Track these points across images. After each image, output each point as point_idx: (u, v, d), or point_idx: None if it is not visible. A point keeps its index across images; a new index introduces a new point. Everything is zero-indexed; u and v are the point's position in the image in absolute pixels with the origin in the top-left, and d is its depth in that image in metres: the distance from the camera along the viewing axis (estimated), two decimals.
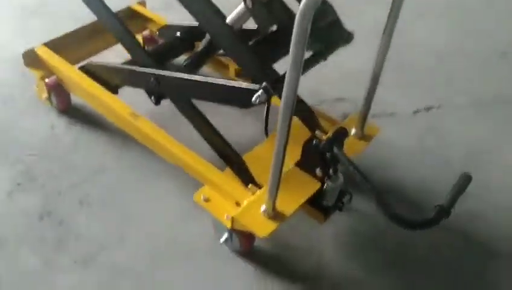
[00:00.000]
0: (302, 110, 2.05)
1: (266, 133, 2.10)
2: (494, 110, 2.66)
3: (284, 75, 1.31)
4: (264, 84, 1.51)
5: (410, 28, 3.20)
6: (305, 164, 1.81)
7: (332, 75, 2.73)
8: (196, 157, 1.88)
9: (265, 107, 2.06)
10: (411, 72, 2.89)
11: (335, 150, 1.63)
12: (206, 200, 1.80)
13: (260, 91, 1.52)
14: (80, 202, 2.04)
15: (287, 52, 1.25)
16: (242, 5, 1.68)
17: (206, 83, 1.68)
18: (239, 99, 1.60)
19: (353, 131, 1.99)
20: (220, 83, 1.64)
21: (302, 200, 1.77)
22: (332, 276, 1.88)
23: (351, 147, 1.94)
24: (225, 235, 1.85)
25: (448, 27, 3.32)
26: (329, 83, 2.70)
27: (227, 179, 1.81)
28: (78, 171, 2.16)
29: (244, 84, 1.58)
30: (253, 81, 1.55)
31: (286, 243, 1.97)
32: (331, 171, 1.75)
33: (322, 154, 1.71)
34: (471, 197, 1.94)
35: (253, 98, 1.53)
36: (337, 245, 1.97)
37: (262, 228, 1.66)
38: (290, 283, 1.86)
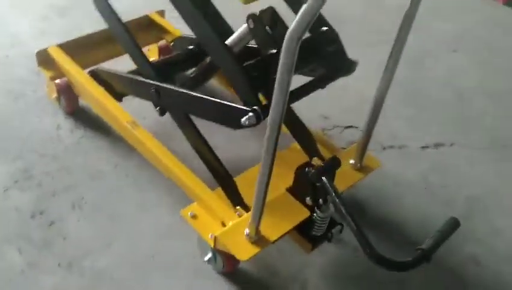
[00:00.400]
0: (302, 134, 2.03)
1: None
2: (508, 154, 2.58)
3: None
4: (254, 107, 1.50)
5: (434, 61, 3.16)
6: (296, 190, 1.79)
7: (350, 101, 2.71)
8: (188, 173, 1.87)
9: None
10: (429, 107, 2.82)
11: (323, 180, 1.60)
12: (194, 217, 1.79)
13: (250, 114, 1.50)
14: (72, 205, 2.05)
15: None
16: (245, 25, 1.68)
17: (201, 99, 1.68)
18: (230, 119, 1.58)
19: (351, 161, 1.95)
20: (214, 100, 1.64)
21: (289, 227, 1.74)
22: None
23: (346, 177, 1.91)
24: (209, 255, 1.83)
25: (473, 64, 3.24)
26: (345, 109, 2.67)
27: (216, 198, 1.80)
28: (75, 174, 2.18)
29: (236, 105, 1.57)
30: (245, 104, 1.53)
31: (272, 267, 1.94)
32: (320, 201, 1.72)
33: (312, 183, 1.68)
34: (473, 241, 1.90)
35: (243, 119, 1.52)
36: (322, 276, 1.93)
37: (243, 251, 1.64)
38: None
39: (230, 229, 1.69)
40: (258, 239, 1.66)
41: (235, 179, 1.84)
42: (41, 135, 2.33)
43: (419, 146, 2.55)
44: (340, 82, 1.81)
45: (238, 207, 1.79)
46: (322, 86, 1.71)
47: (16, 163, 2.19)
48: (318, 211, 1.73)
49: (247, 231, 1.65)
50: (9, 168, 2.16)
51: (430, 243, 1.40)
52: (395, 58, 1.62)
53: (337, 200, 1.55)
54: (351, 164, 1.95)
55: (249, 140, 2.39)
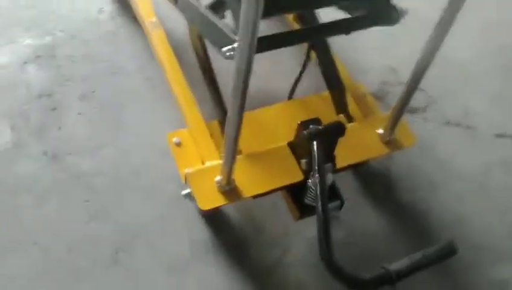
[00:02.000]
0: (333, 83, 1.69)
1: (289, 96, 1.81)
2: None
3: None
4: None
5: None
6: (294, 148, 1.50)
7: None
8: (187, 94, 1.64)
9: (300, 70, 1.76)
10: None
11: (314, 145, 1.30)
12: (178, 144, 1.58)
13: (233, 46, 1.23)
14: (82, 96, 1.94)
15: None
16: None
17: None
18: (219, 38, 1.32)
19: (380, 130, 1.60)
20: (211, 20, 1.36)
21: (272, 187, 1.48)
22: (285, 277, 1.62)
23: (366, 148, 1.58)
24: (187, 190, 1.64)
25: None
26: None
27: (204, 132, 1.57)
28: (97, 64, 2.05)
29: (226, 29, 1.29)
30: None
31: (259, 223, 1.72)
32: (316, 167, 1.42)
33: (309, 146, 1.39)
34: None
35: (225, 48, 1.24)
36: (306, 248, 1.68)
37: (206, 198, 1.42)
38: (242, 268, 1.63)
39: (203, 170, 1.47)
40: (229, 190, 1.43)
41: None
42: (81, 16, 2.21)
43: (494, 132, 2.08)
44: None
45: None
46: (346, 32, 1.36)
47: (44, 39, 2.10)
48: (312, 178, 1.44)
49: (219, 178, 1.42)
50: (37, 42, 2.08)
51: (401, 266, 1.09)
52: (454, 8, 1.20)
53: (317, 175, 1.26)
54: (379, 134, 1.60)
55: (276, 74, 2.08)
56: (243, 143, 1.56)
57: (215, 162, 1.49)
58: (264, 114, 1.70)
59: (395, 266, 1.10)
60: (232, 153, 1.30)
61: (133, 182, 1.75)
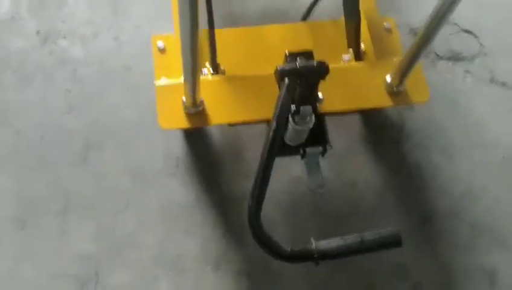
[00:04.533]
0: (350, 16, 1.45)
1: (303, 17, 1.59)
2: None
3: None
4: None
5: None
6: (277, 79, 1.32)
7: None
8: None
9: None
10: None
11: (285, 82, 1.12)
12: (162, 50, 1.44)
13: None
14: None
15: None
16: None
17: None
18: None
19: (388, 78, 1.37)
20: None
21: (245, 118, 1.33)
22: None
23: (366, 95, 1.37)
24: None
25: None
26: (473, 8, 1.89)
27: None
28: None
29: None
30: None
31: (241, 153, 1.60)
32: (293, 106, 1.25)
33: None
34: None
35: None
36: (284, 186, 1.56)
37: (167, 117, 1.30)
38: (208, 192, 1.54)
39: (172, 86, 1.32)
40: (194, 112, 1.30)
41: (222, 30, 1.42)
42: None
43: None
44: None
45: (206, 63, 1.39)
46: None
47: None
48: (290, 119, 1.28)
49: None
50: None
51: (329, 247, 0.94)
52: None
53: (275, 123, 1.08)
54: (387, 82, 1.38)
55: None
56: (230, 62, 1.41)
57: None
58: (265, 33, 1.50)
59: (324, 244, 0.95)
60: (190, 73, 1.15)
61: (120, 77, 1.65)
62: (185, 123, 1.29)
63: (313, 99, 1.24)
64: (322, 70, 1.14)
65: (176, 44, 1.42)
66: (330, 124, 1.48)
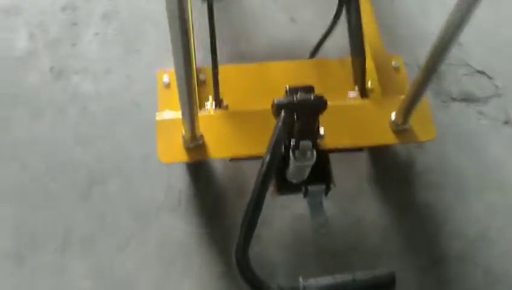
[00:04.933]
0: (356, 54, 1.44)
1: (311, 55, 1.58)
2: None
3: None
4: None
5: None
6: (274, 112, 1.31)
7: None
8: None
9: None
10: None
11: (281, 116, 1.10)
12: (167, 85, 1.45)
13: None
14: (105, 14, 1.84)
15: None
16: None
17: None
18: None
19: (393, 116, 1.34)
20: None
21: (245, 153, 1.32)
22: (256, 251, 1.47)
23: (371, 132, 1.34)
24: None
25: None
26: (486, 49, 1.86)
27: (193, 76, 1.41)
28: None
29: None
30: None
31: (245, 188, 1.56)
32: (293, 141, 1.23)
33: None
34: None
35: None
36: (287, 227, 1.52)
37: (167, 151, 1.29)
38: (210, 229, 1.51)
39: (173, 120, 1.32)
40: (194, 147, 1.29)
41: (227, 66, 1.43)
42: None
43: None
44: None
45: (210, 97, 1.39)
46: None
47: None
48: (291, 154, 1.25)
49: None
50: None
51: (317, 286, 0.89)
52: None
53: (268, 156, 1.06)
54: (391, 119, 1.34)
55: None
56: (234, 97, 1.42)
57: None
58: (271, 70, 1.51)
59: (312, 283, 0.90)
60: (188, 108, 1.15)
61: (129, 113, 1.67)
62: (183, 157, 1.28)
63: (313, 135, 1.22)
64: (319, 104, 1.12)
65: None
66: (336, 162, 1.46)
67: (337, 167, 1.53)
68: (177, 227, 1.51)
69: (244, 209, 1.48)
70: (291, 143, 1.21)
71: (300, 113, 1.12)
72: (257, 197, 1.01)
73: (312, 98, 1.11)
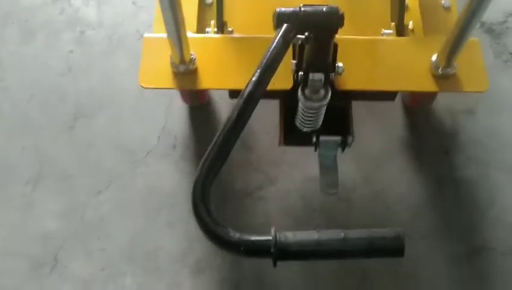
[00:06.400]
0: None
1: None
2: None
3: None
4: None
5: None
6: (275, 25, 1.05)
7: None
8: None
9: None
10: None
11: (281, 29, 0.85)
12: None
13: None
14: None
15: None
16: None
17: None
18: None
19: (433, 57, 1.06)
20: None
21: (243, 85, 1.07)
22: (253, 209, 1.24)
23: (405, 75, 1.06)
24: None
25: None
26: None
27: None
28: None
29: None
30: None
31: (252, 140, 1.33)
32: (301, 74, 0.98)
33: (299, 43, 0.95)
34: None
35: None
36: (293, 187, 1.27)
37: (149, 74, 1.07)
38: None
39: (162, 39, 1.09)
40: (183, 72, 1.05)
41: None
42: None
43: None
44: None
45: (212, 22, 1.16)
46: None
47: None
48: (300, 92, 1.00)
49: None
50: None
51: (290, 241, 0.64)
52: None
53: (256, 75, 0.81)
54: (432, 62, 1.06)
55: None
56: (244, 23, 1.17)
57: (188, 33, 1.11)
58: None
59: (287, 237, 0.65)
60: (173, 24, 0.92)
61: (130, 43, 1.47)
62: (168, 82, 1.05)
63: (327, 65, 0.96)
64: (333, 18, 0.86)
65: None
66: (362, 115, 1.21)
67: (364, 122, 1.29)
68: (166, 174, 1.29)
69: (251, 165, 1.27)
70: (299, 76, 0.97)
71: (309, 30, 0.87)
72: (235, 121, 0.77)
73: (324, 9, 0.85)
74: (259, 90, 0.81)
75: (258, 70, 0.82)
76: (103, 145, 1.32)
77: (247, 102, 0.80)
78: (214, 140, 0.77)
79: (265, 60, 0.82)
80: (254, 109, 0.82)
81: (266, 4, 1.20)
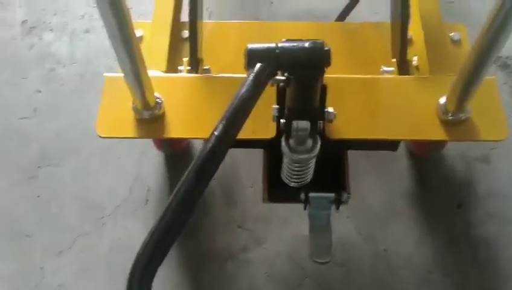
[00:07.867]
0: (398, 17, 1.01)
1: (338, 18, 1.18)
2: None
3: None
4: None
5: None
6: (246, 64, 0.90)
7: None
8: None
9: None
10: None
11: (252, 70, 0.69)
12: (139, 38, 1.08)
13: None
14: None
15: None
16: None
17: None
18: None
19: (442, 100, 0.89)
20: None
21: (207, 134, 0.92)
22: (235, 274, 1.06)
23: (408, 121, 0.90)
24: None
25: None
26: None
27: (165, 30, 1.05)
28: None
29: None
30: None
31: (232, 195, 1.17)
32: (283, 121, 0.82)
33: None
34: None
35: None
36: (283, 249, 1.09)
37: (108, 121, 0.91)
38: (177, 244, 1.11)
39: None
40: (148, 118, 0.90)
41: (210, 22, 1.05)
42: None
43: None
44: None
45: (185, 59, 1.01)
46: None
47: None
48: (283, 141, 0.84)
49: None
50: None
51: None
52: None
53: (220, 127, 0.65)
54: (440, 105, 0.90)
55: None
56: (225, 61, 1.03)
57: (155, 72, 0.97)
58: (280, 30, 1.11)
59: None
60: (128, 61, 0.78)
61: (101, 82, 1.29)
62: (128, 131, 0.89)
63: (314, 112, 0.80)
64: (318, 56, 0.70)
65: (151, 33, 1.07)
66: (360, 167, 1.04)
67: (363, 171, 1.12)
68: (136, 233, 1.13)
69: (234, 222, 1.11)
70: (281, 124, 0.81)
71: (289, 70, 0.71)
72: (185, 194, 0.61)
73: (307, 45, 0.70)
74: (222, 147, 0.65)
75: (222, 122, 0.66)
76: (67, 198, 1.17)
77: (209, 161, 0.64)
78: (160, 217, 0.61)
79: (231, 109, 0.66)
80: (217, 169, 0.65)
81: (253, 38, 1.06)
